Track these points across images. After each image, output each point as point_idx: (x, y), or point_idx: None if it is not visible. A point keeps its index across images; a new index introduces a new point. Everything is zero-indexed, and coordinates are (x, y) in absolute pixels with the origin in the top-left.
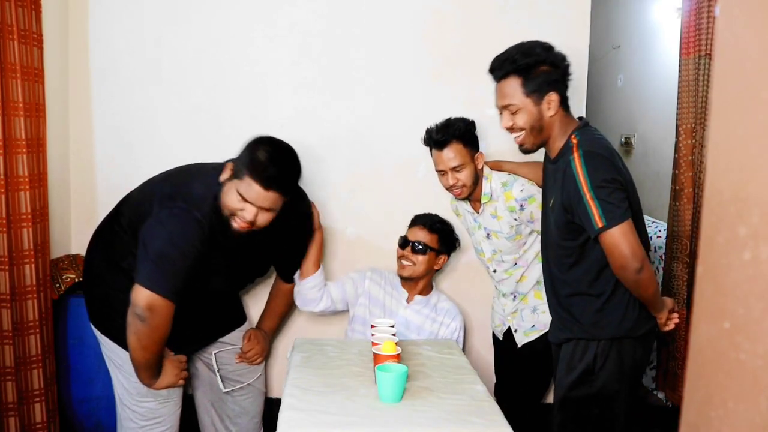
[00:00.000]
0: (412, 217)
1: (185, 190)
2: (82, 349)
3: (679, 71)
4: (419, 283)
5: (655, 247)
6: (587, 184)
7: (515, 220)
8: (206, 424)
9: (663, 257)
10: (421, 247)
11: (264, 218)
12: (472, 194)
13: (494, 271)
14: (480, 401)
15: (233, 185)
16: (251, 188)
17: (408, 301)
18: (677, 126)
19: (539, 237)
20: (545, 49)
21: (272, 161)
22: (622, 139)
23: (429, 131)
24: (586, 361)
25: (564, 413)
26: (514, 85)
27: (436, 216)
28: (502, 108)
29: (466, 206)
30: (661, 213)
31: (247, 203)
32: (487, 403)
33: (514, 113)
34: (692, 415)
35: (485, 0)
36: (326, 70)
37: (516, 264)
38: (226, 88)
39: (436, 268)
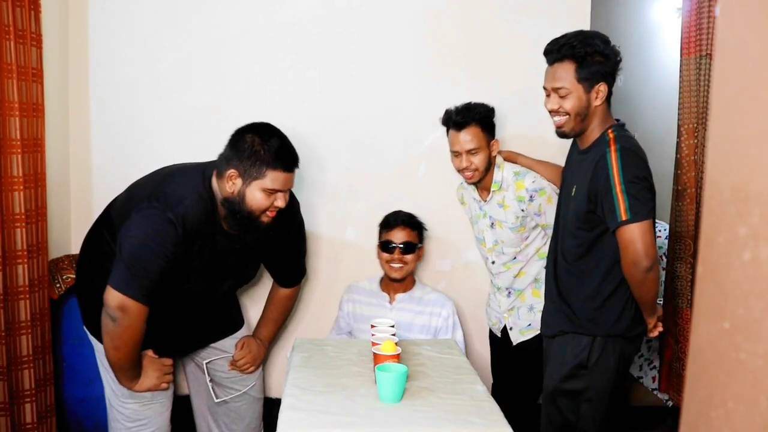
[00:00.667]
0: (382, 219)
1: (161, 191)
2: (82, 348)
3: (680, 71)
4: (404, 281)
5: None
6: (620, 178)
7: (522, 211)
8: (202, 428)
9: (663, 257)
10: (409, 247)
11: (287, 199)
12: (481, 181)
13: (492, 262)
14: (480, 401)
15: (254, 187)
16: (278, 178)
17: (391, 302)
18: (679, 126)
19: (542, 233)
20: (603, 41)
21: (282, 143)
22: None
23: (449, 112)
24: (580, 356)
25: (553, 405)
26: (567, 70)
27: (403, 212)
28: (552, 90)
29: (473, 194)
30: (660, 213)
31: (276, 193)
32: (487, 403)
33: (563, 97)
34: (692, 415)
35: (485, 0)
36: (326, 70)
37: (515, 258)
38: (225, 88)
39: (418, 262)
